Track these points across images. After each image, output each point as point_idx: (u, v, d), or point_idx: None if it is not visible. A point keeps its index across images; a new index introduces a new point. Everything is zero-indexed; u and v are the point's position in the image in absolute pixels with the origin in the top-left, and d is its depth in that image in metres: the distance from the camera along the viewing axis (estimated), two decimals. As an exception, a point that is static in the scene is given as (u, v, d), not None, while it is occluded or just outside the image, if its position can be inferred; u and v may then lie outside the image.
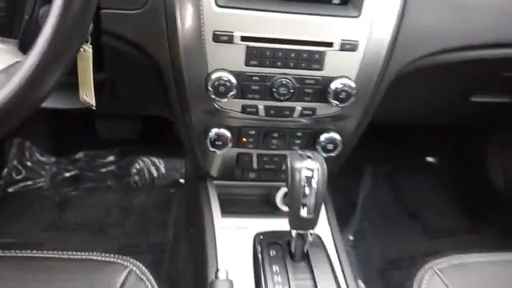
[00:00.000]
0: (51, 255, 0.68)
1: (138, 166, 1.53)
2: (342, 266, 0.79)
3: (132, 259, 0.68)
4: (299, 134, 0.82)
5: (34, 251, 0.69)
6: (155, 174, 1.52)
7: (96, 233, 1.31)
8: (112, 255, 0.68)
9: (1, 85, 0.39)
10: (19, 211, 1.36)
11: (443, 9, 0.74)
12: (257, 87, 0.72)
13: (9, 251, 0.69)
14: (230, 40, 0.68)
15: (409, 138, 1.56)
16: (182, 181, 1.50)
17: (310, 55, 0.70)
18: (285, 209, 0.92)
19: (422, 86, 0.90)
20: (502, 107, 1.03)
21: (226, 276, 0.64)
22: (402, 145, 1.59)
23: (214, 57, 0.69)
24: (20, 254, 0.69)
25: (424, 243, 1.35)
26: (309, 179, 0.64)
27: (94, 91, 0.67)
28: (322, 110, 0.77)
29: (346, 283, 0.76)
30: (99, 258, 0.68)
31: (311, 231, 0.70)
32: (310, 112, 0.77)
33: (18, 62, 0.43)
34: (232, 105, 0.74)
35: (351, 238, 1.36)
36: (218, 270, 0.65)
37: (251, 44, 0.69)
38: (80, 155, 1.53)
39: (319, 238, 0.81)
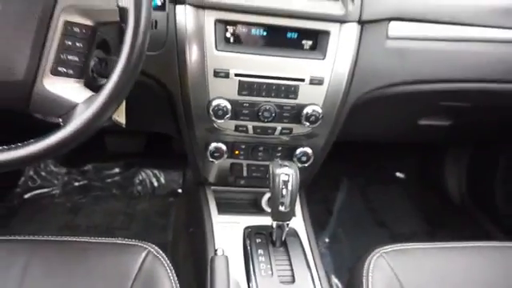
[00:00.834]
0: (84, 239, 0.85)
1: (140, 177, 1.71)
2: (312, 252, 0.99)
3: (149, 243, 0.86)
4: (280, 148, 1.02)
5: (70, 237, 0.87)
6: (156, 184, 1.71)
7: (104, 234, 1.48)
8: (133, 240, 0.86)
9: (82, 112, 0.60)
10: (35, 215, 1.52)
11: (387, 54, 0.94)
12: (247, 111, 0.92)
13: (47, 236, 0.86)
14: (226, 76, 0.88)
15: (380, 155, 1.78)
16: (179, 190, 1.69)
17: (287, 88, 0.90)
18: (268, 210, 1.10)
19: (377, 112, 1.11)
20: (446, 129, 1.26)
21: (223, 253, 0.82)
22: (374, 160, 1.81)
23: (214, 88, 0.89)
24: (59, 238, 0.85)
25: (389, 244, 1.54)
26: (285, 182, 0.84)
27: (121, 113, 0.86)
28: (297, 129, 0.97)
29: (315, 262, 0.96)
30: (123, 242, 0.85)
31: (288, 223, 0.90)
32: (287, 131, 0.97)
33: (92, 95, 0.64)
34: (227, 125, 0.94)
35: (327, 240, 1.55)
36: (216, 249, 0.83)
37: (242, 79, 0.88)
38: (89, 167, 1.72)
39: (295, 230, 1.01)
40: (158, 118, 1.13)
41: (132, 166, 1.72)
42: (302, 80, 0.90)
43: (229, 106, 0.90)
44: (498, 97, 1.07)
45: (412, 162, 1.83)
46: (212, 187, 1.13)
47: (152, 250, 0.84)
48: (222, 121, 0.92)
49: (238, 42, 0.88)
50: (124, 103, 0.82)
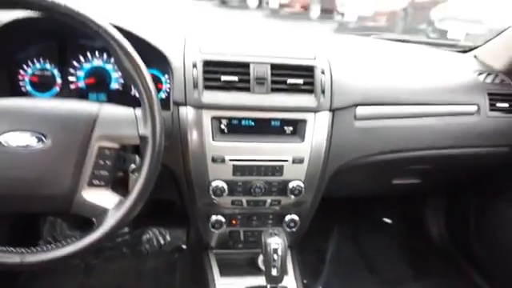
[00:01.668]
0: None
1: (147, 236, 1.86)
2: None
3: None
4: (271, 216, 1.19)
5: None
6: (162, 241, 1.85)
7: (117, 294, 1.61)
8: None
9: (114, 214, 0.78)
10: (51, 275, 1.64)
11: (357, 132, 1.13)
12: (240, 189, 1.09)
13: None
14: (222, 161, 1.05)
15: (367, 203, 1.93)
16: (184, 246, 1.83)
17: (273, 167, 1.07)
18: (263, 268, 1.26)
19: (354, 177, 1.29)
20: (418, 186, 1.43)
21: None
22: (361, 208, 1.97)
23: (213, 171, 1.06)
24: None
25: None
26: (276, 250, 1.00)
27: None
28: (285, 200, 1.13)
29: None
30: None
31: (280, 284, 1.05)
32: (276, 202, 1.14)
33: (121, 200, 0.81)
34: (225, 200, 1.11)
35: (321, 288, 1.68)
36: None
37: (236, 163, 1.05)
38: (100, 228, 1.86)
39: (287, 288, 1.16)
40: (166, 190, 1.29)
41: (140, 226, 1.86)
42: (286, 160, 1.07)
43: (225, 186, 1.07)
44: (453, 159, 1.25)
45: (397, 209, 1.99)
46: (214, 251, 1.28)
47: None
48: (220, 198, 1.09)
49: (231, 132, 1.05)
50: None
